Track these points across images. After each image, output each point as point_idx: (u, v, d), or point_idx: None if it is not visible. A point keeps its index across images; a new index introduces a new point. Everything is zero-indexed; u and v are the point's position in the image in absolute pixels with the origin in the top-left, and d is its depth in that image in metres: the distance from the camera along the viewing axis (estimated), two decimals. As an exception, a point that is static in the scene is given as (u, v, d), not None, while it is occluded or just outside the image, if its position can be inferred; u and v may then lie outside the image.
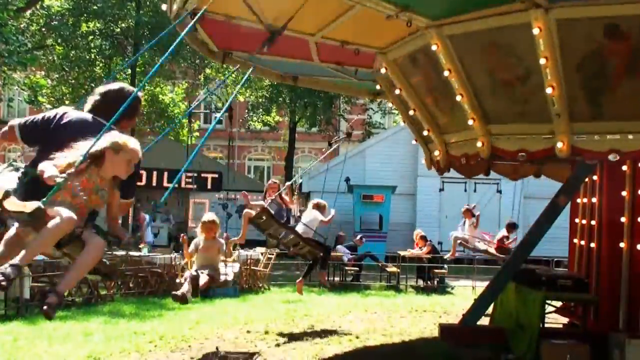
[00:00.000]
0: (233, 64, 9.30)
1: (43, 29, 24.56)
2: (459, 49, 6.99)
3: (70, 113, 4.27)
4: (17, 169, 4.11)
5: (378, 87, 9.66)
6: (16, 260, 3.56)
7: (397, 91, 8.59)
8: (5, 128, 4.48)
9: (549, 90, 6.44)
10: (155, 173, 27.52)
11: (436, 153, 8.82)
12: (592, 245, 8.09)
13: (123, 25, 24.59)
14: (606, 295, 7.62)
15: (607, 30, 6.12)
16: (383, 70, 8.43)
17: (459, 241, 14.47)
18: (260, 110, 28.89)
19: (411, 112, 8.72)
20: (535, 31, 6.14)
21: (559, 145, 6.70)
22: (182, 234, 9.71)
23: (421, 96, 8.37)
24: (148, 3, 24.28)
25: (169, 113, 28.98)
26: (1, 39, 17.37)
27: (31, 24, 24.47)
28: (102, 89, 4.54)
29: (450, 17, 6.80)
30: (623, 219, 7.51)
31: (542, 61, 6.30)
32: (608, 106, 6.55)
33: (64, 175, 3.61)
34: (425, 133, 8.84)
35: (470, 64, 7.09)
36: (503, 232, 14.81)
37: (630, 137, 6.51)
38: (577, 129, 6.68)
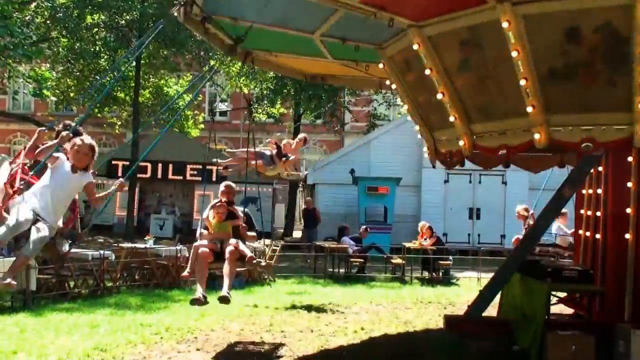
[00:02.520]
0: (254, 63, 9.36)
1: (48, 22, 24.59)
2: (438, 47, 7.05)
3: None
4: None
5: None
6: None
7: (393, 86, 8.68)
8: None
9: (522, 82, 6.47)
10: (160, 165, 27.58)
11: (424, 149, 8.85)
12: (598, 236, 8.08)
13: (128, 17, 24.62)
14: (611, 287, 7.62)
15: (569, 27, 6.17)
16: (381, 65, 8.46)
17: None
18: (265, 102, 28.88)
19: (405, 107, 8.76)
20: (505, 25, 6.22)
21: (537, 136, 6.72)
22: None
23: (413, 93, 8.43)
24: (152, -5, 24.29)
25: (173, 105, 28.99)
26: (6, 32, 17.41)
27: (36, 17, 24.49)
28: None
29: (428, 18, 6.86)
30: (628, 210, 7.49)
31: (514, 54, 6.35)
32: (581, 98, 6.57)
33: None
34: (416, 128, 8.92)
35: (450, 63, 7.15)
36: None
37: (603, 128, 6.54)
38: (553, 120, 6.71)
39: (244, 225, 8.10)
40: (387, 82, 9.35)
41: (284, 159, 10.33)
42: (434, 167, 9.34)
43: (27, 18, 23.41)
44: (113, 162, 28.03)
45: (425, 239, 16.60)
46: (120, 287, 12.79)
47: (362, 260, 16.52)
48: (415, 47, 7.17)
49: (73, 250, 13.22)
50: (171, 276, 13.53)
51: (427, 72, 7.28)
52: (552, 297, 8.09)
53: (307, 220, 20.64)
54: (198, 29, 8.06)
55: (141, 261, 13.67)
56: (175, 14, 7.86)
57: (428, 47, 7.09)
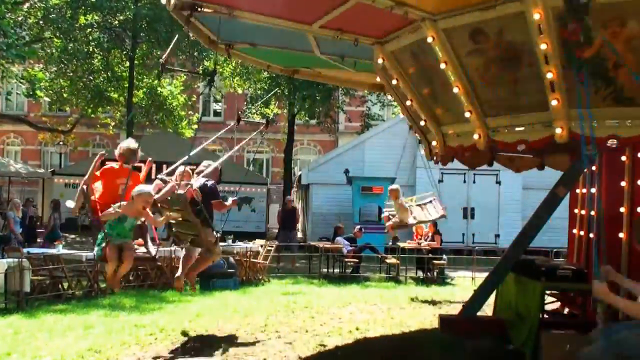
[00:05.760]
0: (235, 57, 9.32)
1: (41, 22, 24.55)
2: (453, 41, 7.01)
3: None
4: None
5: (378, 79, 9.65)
6: None
7: (394, 82, 8.62)
8: None
9: (549, 75, 6.48)
10: (154, 166, 27.51)
11: (434, 144, 8.81)
12: (592, 235, 8.10)
13: (121, 17, 24.59)
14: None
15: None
16: (380, 61, 8.42)
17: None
18: (259, 102, 28.87)
19: (408, 103, 8.72)
20: (536, 16, 6.19)
21: (558, 131, 6.74)
22: None
23: (418, 88, 8.39)
24: (146, -5, 24.26)
25: (167, 106, 29.00)
26: (-1, 32, 17.36)
27: (29, 17, 24.45)
28: None
29: (445, 11, 6.84)
30: (622, 210, 7.51)
31: (543, 47, 6.32)
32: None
33: None
34: (422, 124, 8.87)
35: (466, 57, 7.12)
36: None
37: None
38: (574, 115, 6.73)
39: None
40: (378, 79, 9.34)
41: None
42: (435, 161, 9.31)
43: (20, 18, 23.36)
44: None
45: (426, 239, 16.57)
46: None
47: (356, 260, 16.52)
48: (430, 40, 7.09)
49: (66, 251, 13.27)
50: (165, 277, 13.50)
51: (442, 65, 7.23)
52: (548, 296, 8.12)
53: (286, 221, 19.80)
54: (181, 18, 8.03)
55: (135, 262, 13.63)
56: (164, 1, 7.85)
57: (443, 40, 7.05)
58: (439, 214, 14.09)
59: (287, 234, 19.47)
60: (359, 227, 18.21)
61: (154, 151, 26.66)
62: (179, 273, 8.50)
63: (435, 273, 16.10)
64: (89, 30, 25.19)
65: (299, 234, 25.73)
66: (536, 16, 6.21)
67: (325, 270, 16.26)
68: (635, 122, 6.57)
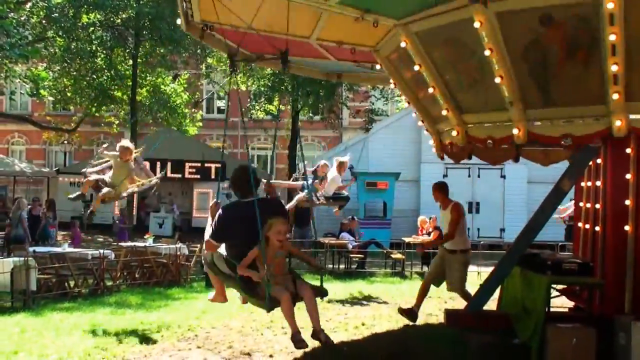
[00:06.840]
0: (268, 65, 9.59)
1: (44, 21, 24.55)
2: (424, 44, 7.32)
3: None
4: None
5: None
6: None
7: (392, 85, 8.82)
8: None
9: (497, 80, 6.79)
10: (158, 164, 27.55)
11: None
12: (597, 228, 8.07)
13: (124, 16, 24.58)
14: (611, 279, 7.61)
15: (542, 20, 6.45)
16: (378, 67, 8.55)
17: None
18: (263, 99, 28.82)
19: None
20: (477, 25, 6.49)
21: (515, 131, 7.09)
22: None
23: (413, 90, 8.50)
24: (148, -7, 24.26)
25: (170, 103, 28.99)
26: (2, 32, 17.39)
27: (32, 16, 24.45)
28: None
29: (412, 16, 7.12)
30: (628, 202, 7.49)
31: (487, 52, 6.67)
32: (557, 93, 6.88)
33: None
34: (419, 123, 9.09)
35: (437, 59, 7.45)
36: None
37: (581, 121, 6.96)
38: (531, 115, 7.08)
39: None
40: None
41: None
42: (442, 158, 9.54)
43: (22, 18, 23.36)
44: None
45: (427, 233, 16.55)
46: (120, 286, 12.80)
47: (361, 255, 16.51)
48: (403, 44, 7.40)
49: (72, 249, 13.30)
50: (171, 274, 13.54)
51: (416, 67, 7.59)
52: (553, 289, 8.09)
53: (299, 218, 18.98)
54: (199, 36, 8.19)
55: (141, 260, 13.67)
56: (179, 22, 7.99)
57: (416, 44, 7.21)
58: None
59: (301, 231, 19.30)
60: (350, 216, 18.13)
61: (158, 149, 26.75)
62: (296, 334, 6.43)
63: (440, 268, 16.04)
64: (92, 29, 25.17)
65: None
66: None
67: (330, 266, 16.26)
68: None
